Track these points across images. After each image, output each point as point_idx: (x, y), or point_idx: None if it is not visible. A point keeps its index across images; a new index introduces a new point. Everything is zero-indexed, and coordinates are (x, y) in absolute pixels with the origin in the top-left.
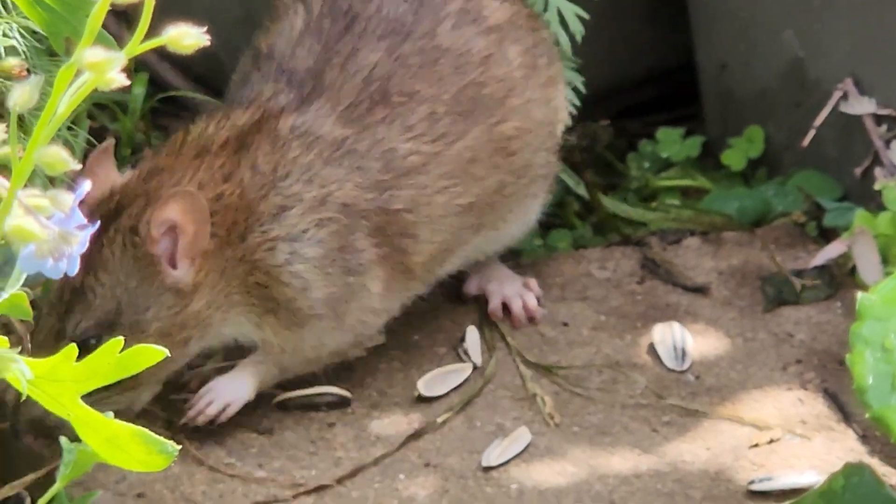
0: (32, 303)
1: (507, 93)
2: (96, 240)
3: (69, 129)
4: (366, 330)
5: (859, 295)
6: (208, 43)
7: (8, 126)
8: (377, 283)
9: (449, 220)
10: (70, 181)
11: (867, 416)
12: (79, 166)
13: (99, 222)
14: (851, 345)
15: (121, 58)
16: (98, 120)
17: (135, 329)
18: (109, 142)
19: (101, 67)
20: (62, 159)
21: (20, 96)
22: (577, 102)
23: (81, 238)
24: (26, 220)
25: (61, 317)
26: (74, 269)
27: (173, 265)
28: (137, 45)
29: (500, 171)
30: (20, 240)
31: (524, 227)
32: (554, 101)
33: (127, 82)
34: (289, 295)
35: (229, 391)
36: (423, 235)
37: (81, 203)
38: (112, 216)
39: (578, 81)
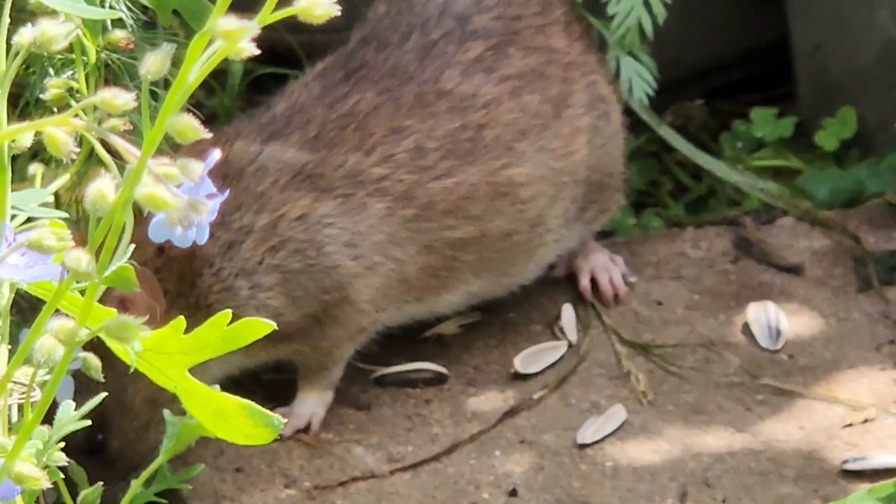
0: None
1: (516, 137)
2: None
3: None
4: (359, 324)
5: None
6: (339, 13)
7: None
8: (364, 293)
9: (439, 247)
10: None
11: None
12: (209, 135)
13: None
14: None
15: (254, 27)
16: (194, 96)
17: (121, 409)
18: None
19: (234, 36)
20: (193, 128)
21: (151, 65)
22: (652, 88)
23: (211, 206)
24: (157, 188)
25: None
26: (203, 238)
27: None
28: (268, 14)
29: (506, 218)
30: (150, 207)
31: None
32: (578, 154)
33: (257, 52)
34: None
35: (304, 413)
36: (410, 249)
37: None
38: None
39: (652, 66)
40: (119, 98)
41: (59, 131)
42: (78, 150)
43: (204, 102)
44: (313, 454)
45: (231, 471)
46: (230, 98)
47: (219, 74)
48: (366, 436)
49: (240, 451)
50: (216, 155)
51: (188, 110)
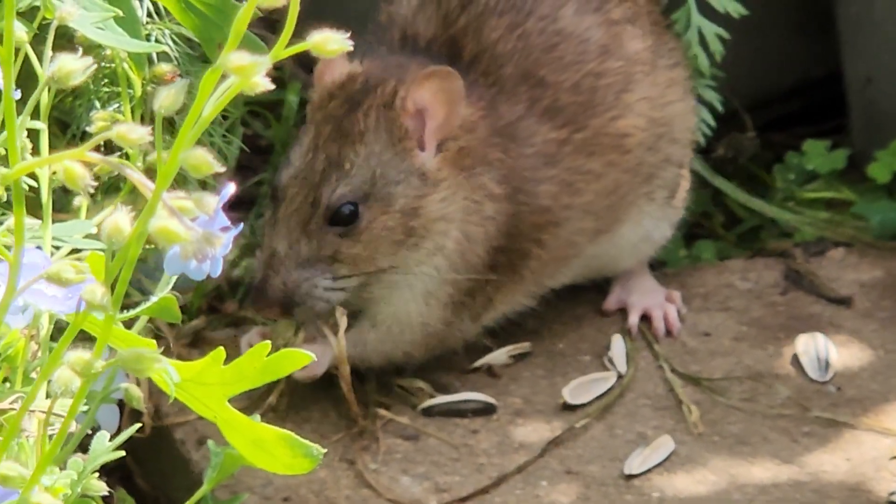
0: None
1: (624, 86)
2: (351, 114)
3: (223, 136)
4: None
5: None
6: (351, 48)
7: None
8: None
9: (571, 222)
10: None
11: None
12: (223, 169)
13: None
14: None
15: (265, 62)
16: (252, 127)
17: (384, 202)
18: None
19: (246, 71)
20: (206, 162)
21: (165, 99)
22: (712, 122)
23: (225, 240)
24: (171, 222)
25: (315, 186)
26: (217, 272)
27: (422, 147)
28: (282, 49)
29: (617, 169)
30: (164, 241)
31: (638, 240)
32: (674, 105)
33: (271, 87)
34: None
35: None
36: (546, 240)
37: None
38: (361, 94)
39: (716, 100)
40: (134, 132)
41: (76, 164)
42: (96, 182)
43: (261, 133)
44: (360, 483)
45: (279, 500)
46: (286, 129)
47: (274, 106)
48: (412, 466)
49: (287, 480)
50: (231, 189)
51: (243, 141)
